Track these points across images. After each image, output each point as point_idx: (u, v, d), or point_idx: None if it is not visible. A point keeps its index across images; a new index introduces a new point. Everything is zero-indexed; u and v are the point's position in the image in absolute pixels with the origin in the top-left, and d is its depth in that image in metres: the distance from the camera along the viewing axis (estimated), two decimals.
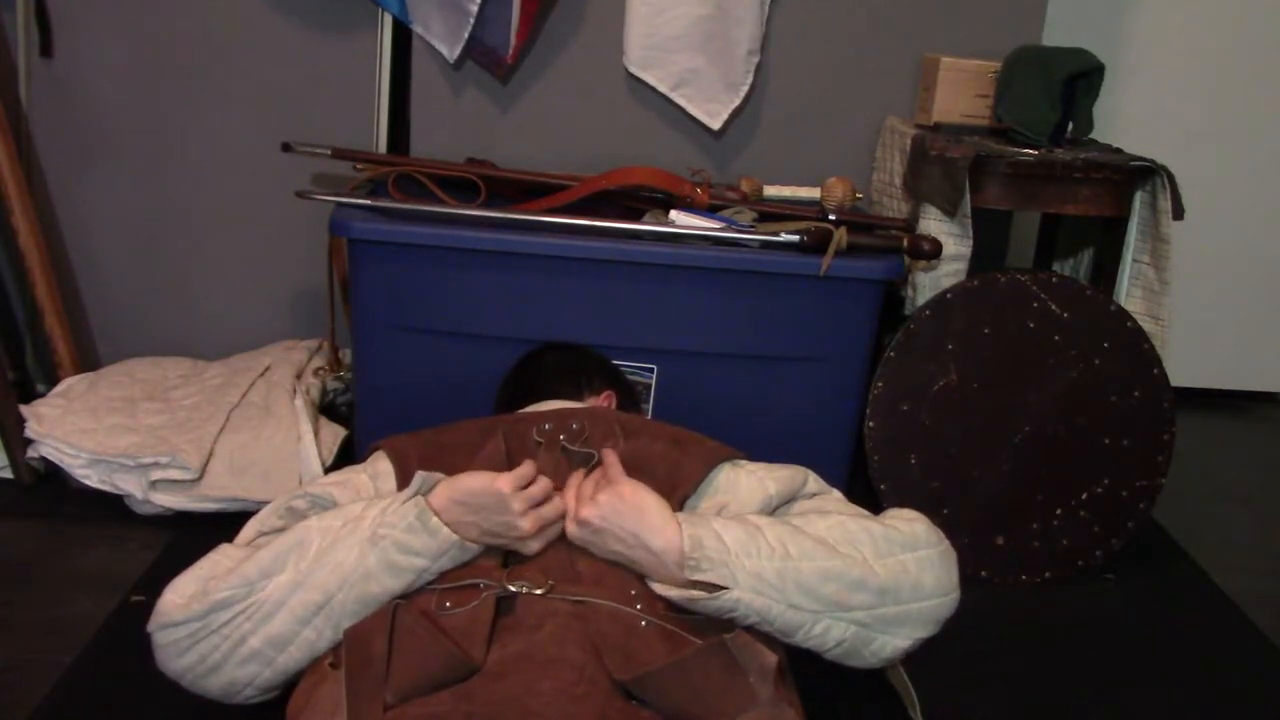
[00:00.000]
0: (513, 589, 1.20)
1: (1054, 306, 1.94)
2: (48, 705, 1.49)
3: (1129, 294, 2.08)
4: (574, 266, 1.91)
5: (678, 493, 1.32)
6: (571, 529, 1.24)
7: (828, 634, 1.22)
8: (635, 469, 1.34)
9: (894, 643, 1.25)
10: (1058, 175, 2.02)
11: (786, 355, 1.98)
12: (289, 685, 1.26)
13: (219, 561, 1.26)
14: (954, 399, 1.96)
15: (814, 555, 1.21)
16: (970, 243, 2.01)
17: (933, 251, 1.96)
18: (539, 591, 1.20)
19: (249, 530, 1.34)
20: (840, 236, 1.91)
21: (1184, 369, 2.67)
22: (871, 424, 1.97)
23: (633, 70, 2.32)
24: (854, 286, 1.94)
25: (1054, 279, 1.96)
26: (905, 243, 1.98)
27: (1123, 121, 2.58)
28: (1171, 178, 1.99)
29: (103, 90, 2.33)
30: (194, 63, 2.33)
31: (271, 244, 2.42)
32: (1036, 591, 1.99)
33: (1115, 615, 1.94)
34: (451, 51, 2.27)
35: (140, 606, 1.67)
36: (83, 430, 2.00)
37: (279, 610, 1.20)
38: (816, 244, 1.91)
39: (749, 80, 2.33)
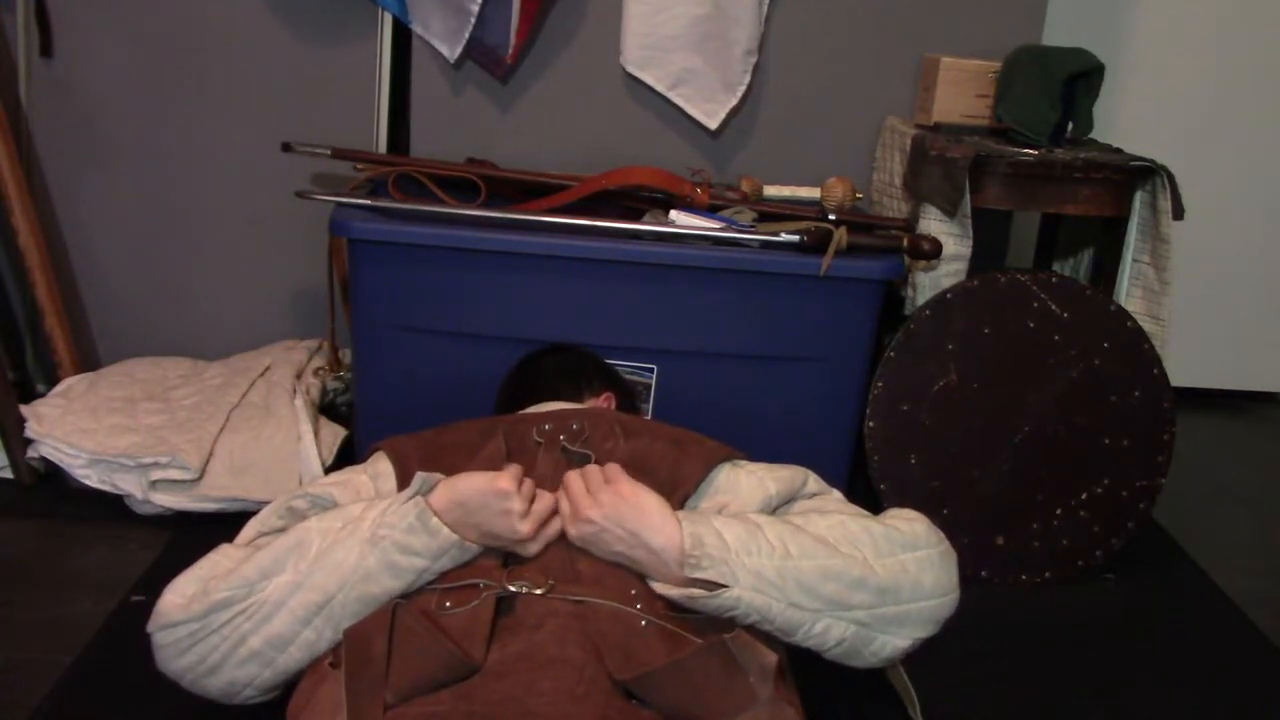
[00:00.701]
0: (513, 589, 1.20)
1: (1054, 306, 1.94)
2: (48, 705, 1.49)
3: (1129, 294, 2.08)
4: (574, 266, 1.91)
5: (678, 492, 1.32)
6: (572, 530, 1.23)
7: (828, 633, 1.22)
8: (635, 469, 1.34)
9: (894, 642, 1.26)
10: (1058, 175, 2.02)
11: (786, 355, 1.98)
12: (289, 686, 1.26)
13: (219, 562, 1.26)
14: (954, 399, 1.96)
15: (814, 554, 1.21)
16: (970, 243, 2.01)
17: (933, 251, 1.96)
18: (539, 591, 1.20)
19: (249, 531, 1.34)
20: (840, 236, 1.91)
21: (1184, 369, 2.67)
22: (871, 424, 1.97)
23: (630, 70, 2.32)
24: (854, 286, 1.94)
25: (1054, 279, 1.96)
26: (905, 243, 1.98)
27: (1123, 121, 2.58)
28: (1171, 178, 1.99)
29: (103, 90, 2.33)
30: (194, 63, 2.33)
31: (271, 244, 2.42)
32: (1036, 591, 1.99)
33: (1115, 615, 1.94)
34: (452, 51, 2.27)
35: (140, 606, 1.67)
36: (83, 430, 2.00)
37: (279, 611, 1.20)
38: (816, 244, 1.91)
39: (747, 80, 2.33)
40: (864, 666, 1.29)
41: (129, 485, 1.95)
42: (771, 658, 1.11)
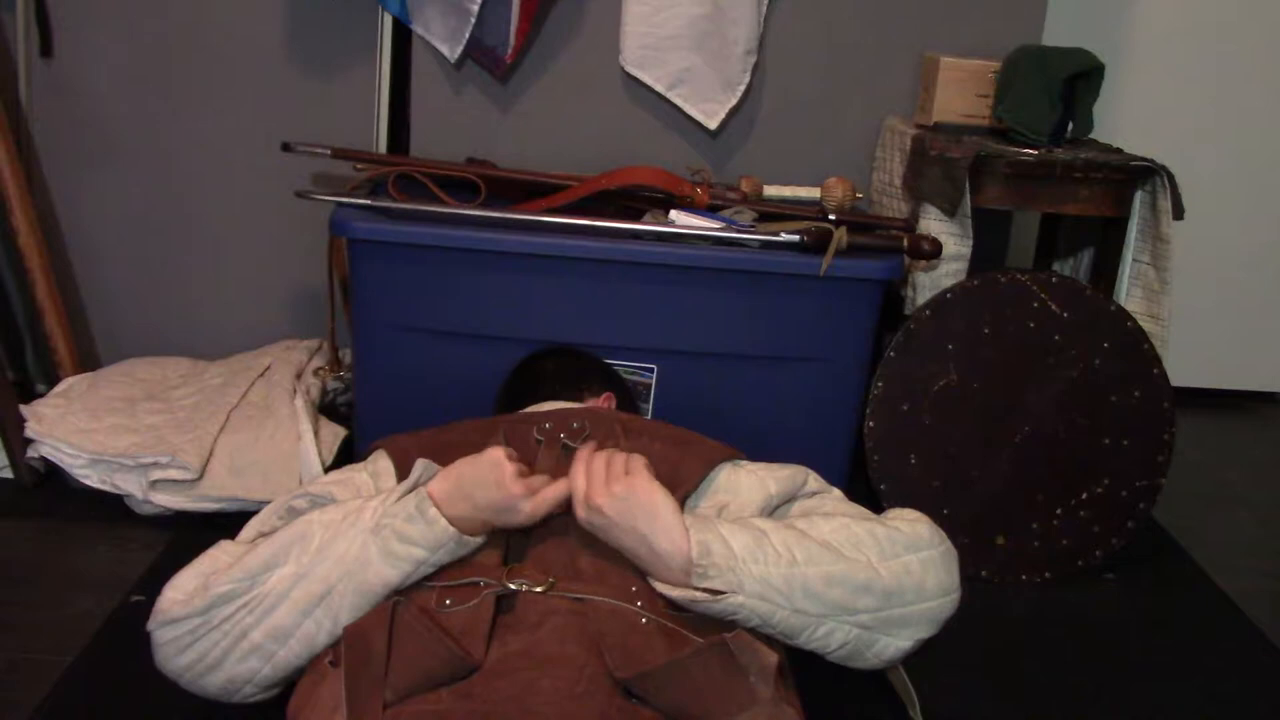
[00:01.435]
0: (513, 587, 1.19)
1: (1054, 306, 1.94)
2: (48, 705, 1.48)
3: (1129, 294, 2.08)
4: (574, 266, 1.91)
5: (678, 491, 1.32)
6: (581, 513, 1.21)
7: (830, 637, 1.22)
8: None
9: (896, 644, 1.26)
10: (1058, 175, 2.02)
11: (786, 355, 1.98)
12: (286, 686, 1.26)
13: (218, 558, 1.26)
14: (954, 399, 1.96)
15: (820, 560, 1.20)
16: (970, 243, 2.01)
17: (933, 251, 1.96)
18: (539, 589, 1.19)
19: (248, 531, 1.34)
20: (840, 236, 1.91)
21: (1184, 369, 2.66)
22: (871, 424, 1.97)
23: (629, 69, 2.32)
24: (854, 286, 1.94)
25: (1054, 279, 1.96)
26: (905, 243, 1.98)
27: (1123, 121, 2.58)
28: (1171, 178, 1.99)
29: (103, 90, 2.33)
30: (194, 63, 2.33)
31: (271, 244, 2.42)
32: (1036, 591, 1.99)
33: (1115, 615, 1.94)
34: (452, 51, 2.27)
35: (140, 606, 1.67)
36: (83, 430, 2.00)
37: (281, 602, 1.19)
38: (816, 244, 1.91)
39: (746, 80, 2.33)
40: (866, 668, 1.29)
41: (129, 485, 1.95)
42: (772, 657, 1.11)
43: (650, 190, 2.07)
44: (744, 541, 1.19)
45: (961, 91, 2.22)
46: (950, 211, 2.00)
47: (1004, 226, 2.53)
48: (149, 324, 2.46)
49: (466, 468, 1.23)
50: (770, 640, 1.22)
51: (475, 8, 2.20)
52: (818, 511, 1.36)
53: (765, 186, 2.28)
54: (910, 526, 1.29)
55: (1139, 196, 2.06)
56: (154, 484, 1.93)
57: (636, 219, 1.99)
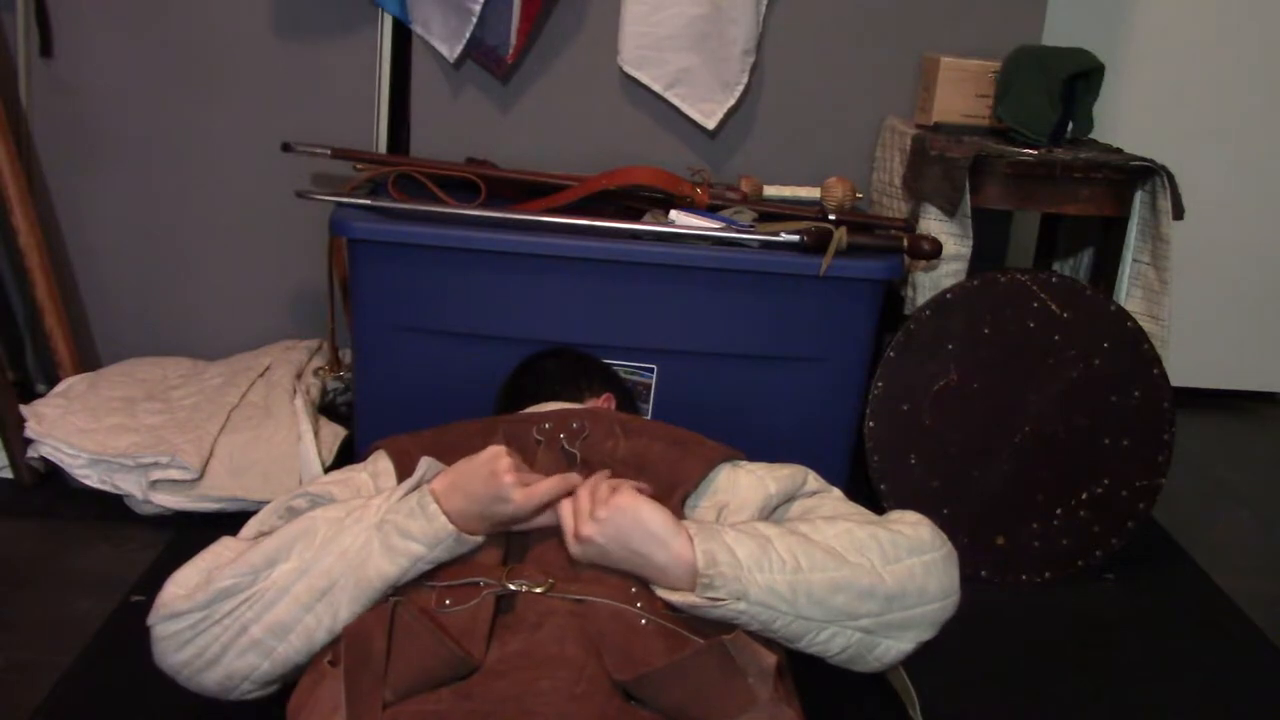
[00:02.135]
0: (513, 587, 1.19)
1: (1054, 306, 1.94)
2: (48, 705, 1.49)
3: (1129, 294, 2.08)
4: (574, 266, 1.91)
5: (678, 491, 1.32)
6: (575, 549, 1.21)
7: (832, 641, 1.22)
8: (636, 468, 1.34)
9: (898, 646, 1.26)
10: (1058, 175, 2.02)
11: (786, 355, 1.98)
12: (285, 686, 1.26)
13: (221, 553, 1.26)
14: (954, 399, 1.96)
15: (825, 566, 1.20)
16: (970, 243, 2.01)
17: (933, 251, 1.96)
18: (539, 590, 1.19)
19: (248, 530, 1.34)
20: (840, 236, 1.91)
21: (1184, 369, 2.66)
22: (871, 424, 1.97)
23: (627, 69, 2.32)
24: (854, 286, 1.94)
25: (1054, 279, 1.96)
26: (905, 243, 1.98)
27: (1123, 121, 2.58)
28: (1171, 178, 1.99)
29: (103, 90, 2.33)
30: (194, 62, 2.33)
31: (271, 244, 2.42)
32: (1036, 591, 1.99)
33: (1115, 615, 1.94)
34: (452, 51, 2.27)
35: (140, 606, 1.67)
36: (83, 430, 2.00)
37: (283, 597, 1.19)
38: (816, 244, 1.91)
39: (745, 80, 2.33)
40: (867, 670, 1.29)
41: (129, 485, 1.95)
42: (771, 659, 1.11)
43: (650, 190, 2.07)
44: (749, 549, 1.19)
45: (961, 91, 2.22)
46: (950, 211, 2.00)
47: (1004, 226, 2.53)
48: (149, 324, 2.46)
49: (465, 464, 1.23)
50: (770, 641, 1.22)
51: (477, 8, 2.20)
52: (817, 511, 1.36)
53: (765, 186, 2.28)
54: (913, 530, 1.29)
55: (1139, 196, 2.05)
56: (154, 484, 1.93)
57: (636, 219, 1.99)
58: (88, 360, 2.38)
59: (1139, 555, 2.08)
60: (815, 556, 1.21)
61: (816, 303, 1.94)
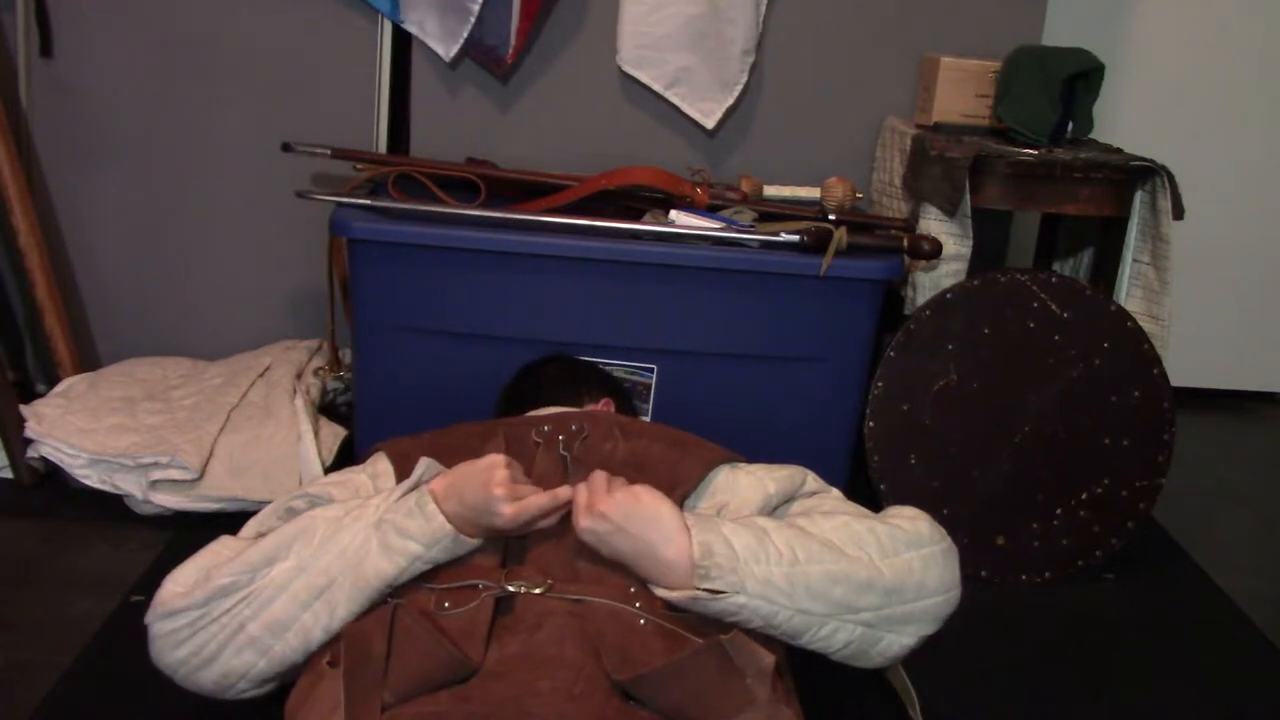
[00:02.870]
0: (511, 589, 1.19)
1: (1054, 306, 1.94)
2: (48, 705, 1.49)
3: (1129, 294, 2.08)
4: (574, 266, 1.91)
5: (677, 492, 1.32)
6: (585, 522, 1.20)
7: (834, 636, 1.22)
8: (635, 469, 1.34)
9: (900, 641, 1.26)
10: (1058, 175, 2.02)
11: (786, 355, 1.98)
12: (282, 685, 1.26)
13: (220, 552, 1.26)
14: (954, 399, 1.96)
15: (822, 558, 1.20)
16: (970, 243, 2.01)
17: (933, 251, 1.96)
18: (538, 591, 1.19)
19: (248, 531, 1.34)
20: (840, 236, 1.91)
21: (1184, 369, 2.66)
22: (871, 424, 1.97)
23: (626, 69, 2.32)
24: (854, 286, 1.94)
25: (1054, 279, 1.96)
26: (905, 243, 1.98)
27: (1123, 121, 2.58)
28: (1171, 178, 1.99)
29: (103, 90, 2.33)
30: (194, 62, 2.33)
31: (271, 244, 2.42)
32: (1036, 591, 1.99)
33: (1115, 615, 1.94)
34: (447, 50, 2.27)
35: (140, 607, 1.67)
36: (83, 430, 2.00)
37: (280, 595, 1.20)
38: (816, 244, 1.91)
39: (744, 79, 2.33)
40: (870, 666, 1.29)
41: (129, 485, 1.95)
42: (769, 659, 1.11)
43: (650, 190, 2.07)
44: (746, 541, 1.19)
45: (961, 91, 2.22)
46: (950, 211, 2.00)
47: (1004, 226, 2.53)
48: (149, 324, 2.46)
49: (463, 468, 1.24)
50: (769, 641, 1.22)
51: (475, 7, 2.20)
52: (817, 511, 1.36)
53: (765, 186, 2.28)
54: (910, 524, 1.29)
55: (1139, 196, 2.05)
56: (154, 484, 1.93)
57: (636, 219, 1.99)
58: (88, 360, 2.38)
59: (1139, 555, 2.08)
60: (812, 549, 1.21)
61: (816, 303, 1.94)
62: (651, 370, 1.98)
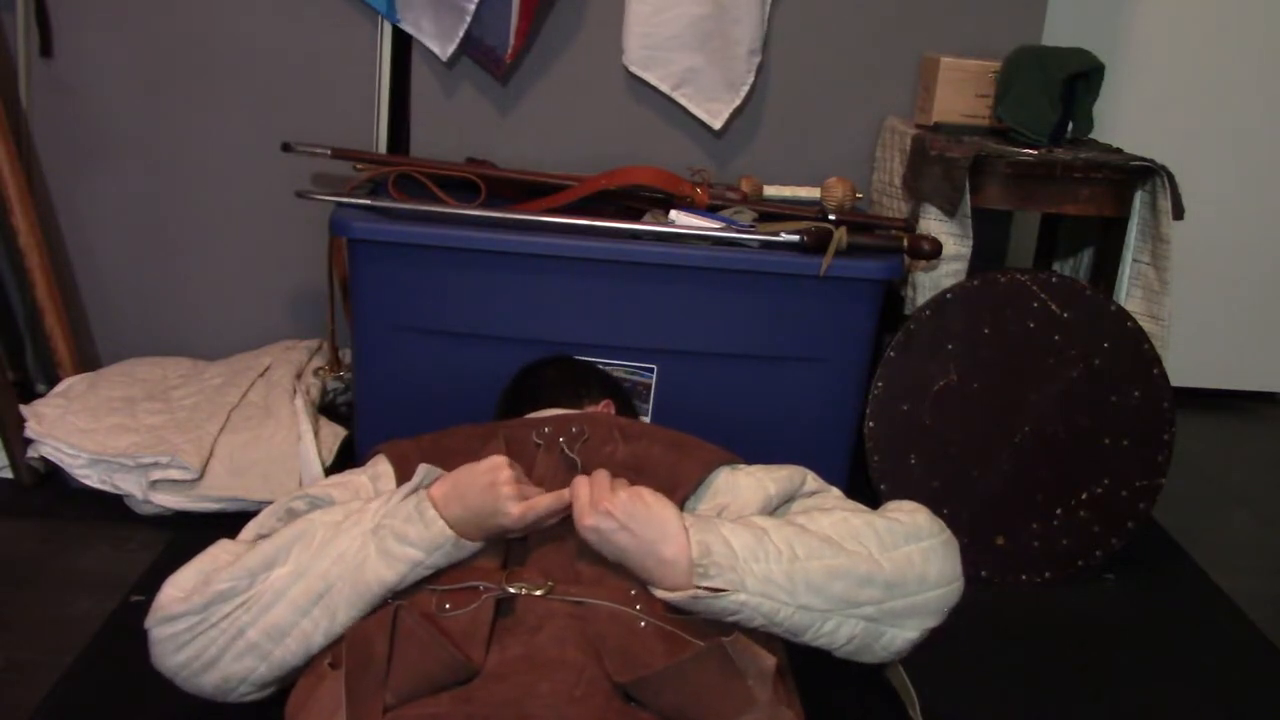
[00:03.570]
0: (512, 590, 1.19)
1: (1054, 306, 1.94)
2: (48, 705, 1.49)
3: (1129, 294, 2.08)
4: (574, 266, 1.91)
5: (677, 493, 1.32)
6: (589, 520, 1.20)
7: (837, 631, 1.22)
8: (635, 471, 1.34)
9: (903, 635, 1.26)
10: (1058, 175, 2.02)
11: (786, 355, 1.98)
12: (283, 688, 1.26)
13: (218, 556, 1.26)
14: (954, 399, 1.96)
15: (821, 554, 1.20)
16: (970, 243, 2.01)
17: (933, 251, 1.96)
18: (539, 592, 1.19)
19: (247, 532, 1.34)
20: (840, 236, 1.91)
21: (1184, 369, 2.66)
22: (871, 424, 1.97)
23: (633, 70, 2.32)
24: (854, 286, 1.94)
25: (1054, 279, 1.96)
26: (905, 243, 1.98)
27: (1123, 121, 2.58)
28: (1171, 178, 1.99)
29: (103, 90, 2.33)
30: (194, 63, 2.33)
31: (271, 244, 2.42)
32: (1036, 591, 1.99)
33: (1115, 615, 1.94)
34: (444, 50, 2.27)
35: (140, 607, 1.67)
36: (83, 430, 2.00)
37: (279, 600, 1.20)
38: (816, 244, 1.91)
39: (750, 79, 2.33)
40: (874, 661, 1.29)
41: (129, 485, 1.95)
42: (770, 660, 1.11)
43: (650, 190, 2.07)
44: (744, 540, 1.19)
45: (961, 91, 2.22)
46: (950, 211, 2.00)
47: (1004, 226, 2.53)
48: (149, 324, 2.46)
49: (464, 472, 1.24)
50: (770, 642, 1.22)
51: (471, 6, 2.20)
52: (817, 509, 1.36)
53: (765, 186, 2.28)
54: (909, 517, 1.29)
55: (1139, 196, 2.05)
56: (154, 484, 1.93)
57: (636, 219, 1.99)
58: (88, 360, 2.38)
59: (1139, 555, 2.08)
60: (811, 545, 1.21)
61: (816, 303, 1.94)
62: (651, 370, 1.98)
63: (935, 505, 1.93)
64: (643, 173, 2.07)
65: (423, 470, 1.25)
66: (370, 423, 2.01)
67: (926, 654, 1.32)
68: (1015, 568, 2.00)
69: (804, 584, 1.19)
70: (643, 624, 1.17)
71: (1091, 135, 2.21)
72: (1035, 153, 2.05)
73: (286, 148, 2.09)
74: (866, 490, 1.98)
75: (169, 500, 1.94)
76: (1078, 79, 2.09)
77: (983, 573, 1.98)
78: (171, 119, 2.36)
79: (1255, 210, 2.80)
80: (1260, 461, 2.69)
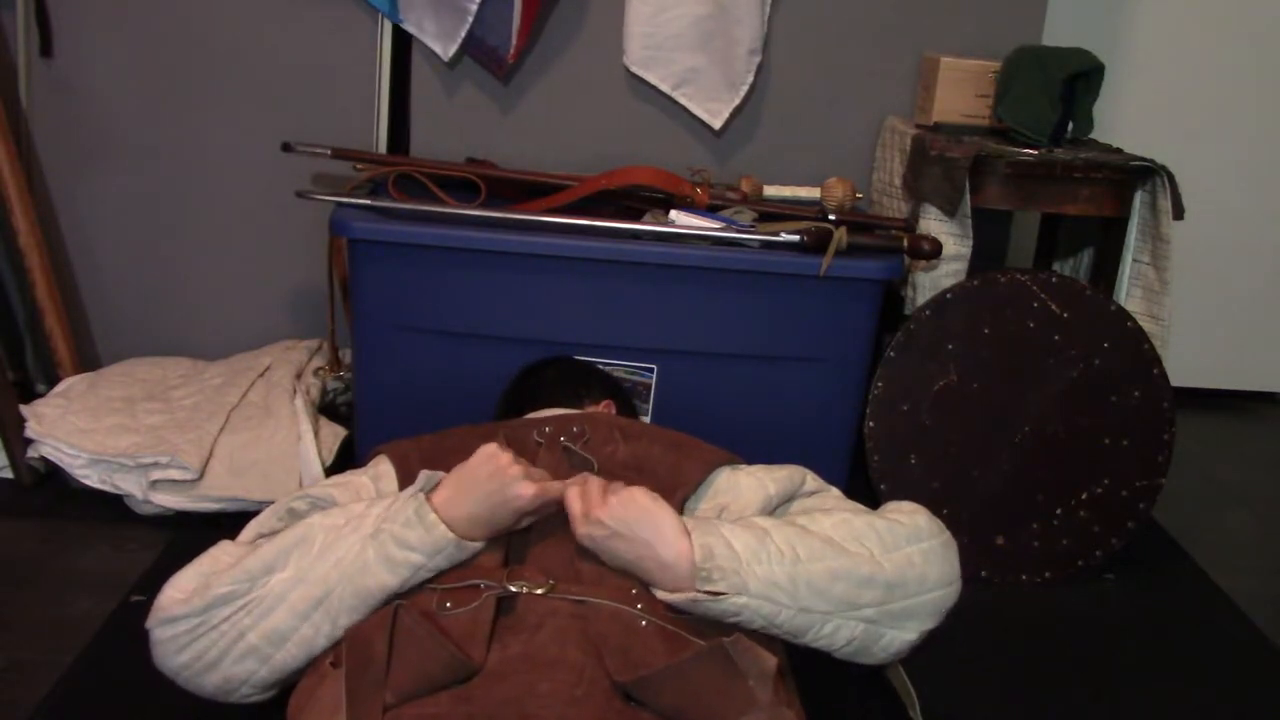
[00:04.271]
0: (513, 589, 1.19)
1: (1054, 306, 1.94)
2: (48, 705, 1.49)
3: (1129, 294, 2.08)
4: (574, 266, 1.91)
5: (678, 493, 1.32)
6: (582, 529, 1.21)
7: (837, 633, 1.22)
8: (636, 471, 1.34)
9: (902, 636, 1.26)
10: (1058, 175, 2.02)
11: (786, 355, 1.98)
12: (285, 687, 1.26)
13: (219, 558, 1.26)
14: (954, 399, 1.96)
15: (823, 556, 1.20)
16: (970, 243, 2.01)
17: (933, 251, 1.96)
18: (539, 591, 1.19)
19: (248, 533, 1.34)
20: (840, 236, 1.91)
21: (1184, 369, 2.67)
22: (871, 424, 1.97)
23: (634, 70, 2.32)
24: (854, 286, 1.94)
25: (1054, 279, 1.96)
26: (905, 243, 1.98)
27: (1123, 121, 2.58)
28: (1171, 178, 1.99)
29: (103, 90, 2.33)
30: (194, 62, 2.33)
31: (271, 244, 2.42)
32: (1036, 591, 1.99)
33: (1115, 615, 1.94)
34: (446, 50, 2.27)
35: (140, 606, 1.67)
36: (83, 430, 2.00)
37: (279, 605, 1.20)
38: (816, 244, 1.91)
39: (750, 79, 2.33)
40: (873, 663, 1.29)
41: (129, 485, 1.95)
42: (771, 661, 1.11)
43: (650, 190, 2.07)
44: (747, 542, 1.19)
45: (961, 91, 2.22)
46: (950, 211, 2.00)
47: (1004, 226, 2.53)
48: (149, 324, 2.46)
49: (463, 470, 1.24)
50: (771, 643, 1.22)
51: (473, 7, 2.20)
52: (817, 509, 1.36)
53: (765, 186, 2.28)
54: (909, 518, 1.29)
55: (1139, 196, 2.06)
56: (154, 484, 1.93)
57: (636, 219, 1.99)
58: (88, 360, 2.38)
59: (1139, 555, 2.08)
60: (813, 547, 1.21)
61: (816, 303, 1.94)
62: (651, 370, 1.98)
63: (935, 505, 1.93)
64: (643, 173, 2.07)
65: (424, 477, 1.25)
66: (370, 423, 2.01)
67: (926, 654, 1.32)
68: (1015, 568, 2.00)
69: (806, 586, 1.19)
70: (644, 623, 1.17)
71: (1091, 135, 2.21)
72: (1035, 153, 2.05)
73: (286, 148, 2.09)
74: (866, 490, 1.98)
75: (169, 500, 1.94)
76: (1078, 79, 2.09)
77: (983, 573, 1.98)
78: (172, 119, 2.36)
79: (1255, 210, 2.80)
80: (1260, 461, 2.69)
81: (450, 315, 1.94)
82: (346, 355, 2.31)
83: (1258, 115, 2.74)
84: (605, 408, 1.63)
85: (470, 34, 2.24)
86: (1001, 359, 1.95)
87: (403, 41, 2.33)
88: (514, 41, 2.25)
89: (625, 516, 1.19)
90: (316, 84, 2.34)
